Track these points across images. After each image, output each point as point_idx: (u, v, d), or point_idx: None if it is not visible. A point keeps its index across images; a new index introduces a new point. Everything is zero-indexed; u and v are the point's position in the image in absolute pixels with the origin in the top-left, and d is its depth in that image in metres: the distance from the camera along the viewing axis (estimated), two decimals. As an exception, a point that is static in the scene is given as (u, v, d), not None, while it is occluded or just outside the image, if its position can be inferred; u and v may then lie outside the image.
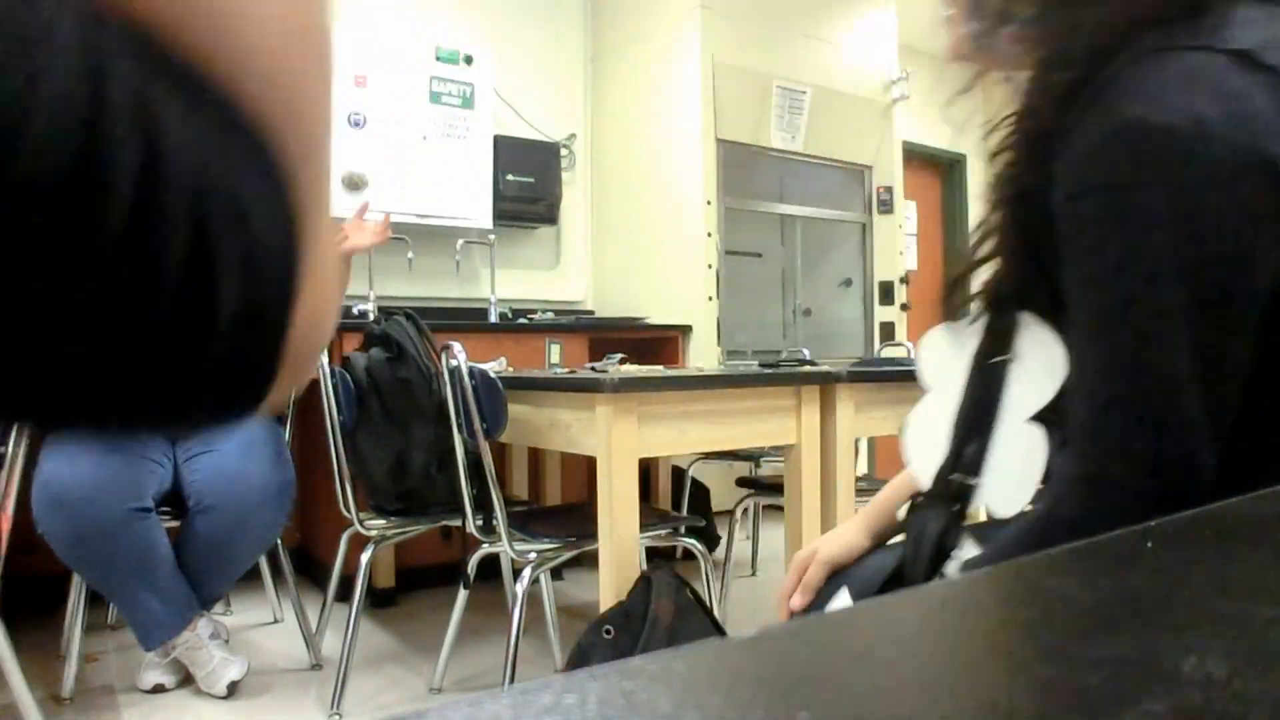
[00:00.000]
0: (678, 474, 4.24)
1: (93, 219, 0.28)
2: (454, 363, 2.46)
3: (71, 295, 0.28)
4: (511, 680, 2.47)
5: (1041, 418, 0.94)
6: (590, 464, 2.28)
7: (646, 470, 4.06)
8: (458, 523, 2.74)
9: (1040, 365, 0.93)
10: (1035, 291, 0.93)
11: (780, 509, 2.85)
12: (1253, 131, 0.75)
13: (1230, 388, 0.77)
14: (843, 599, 1.21)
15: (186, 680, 2.77)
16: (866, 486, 3.63)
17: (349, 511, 2.86)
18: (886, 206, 5.63)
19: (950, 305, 1.07)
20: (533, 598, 3.11)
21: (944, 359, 1.09)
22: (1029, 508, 0.95)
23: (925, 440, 1.10)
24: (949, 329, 1.11)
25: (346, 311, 4.52)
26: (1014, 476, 0.98)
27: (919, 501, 1.12)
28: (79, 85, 0.27)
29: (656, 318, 5.03)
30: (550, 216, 5.37)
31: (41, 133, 0.26)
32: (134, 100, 0.28)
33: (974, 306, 1.06)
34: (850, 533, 1.27)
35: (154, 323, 0.30)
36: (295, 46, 0.37)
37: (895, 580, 1.11)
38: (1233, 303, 0.76)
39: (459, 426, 2.51)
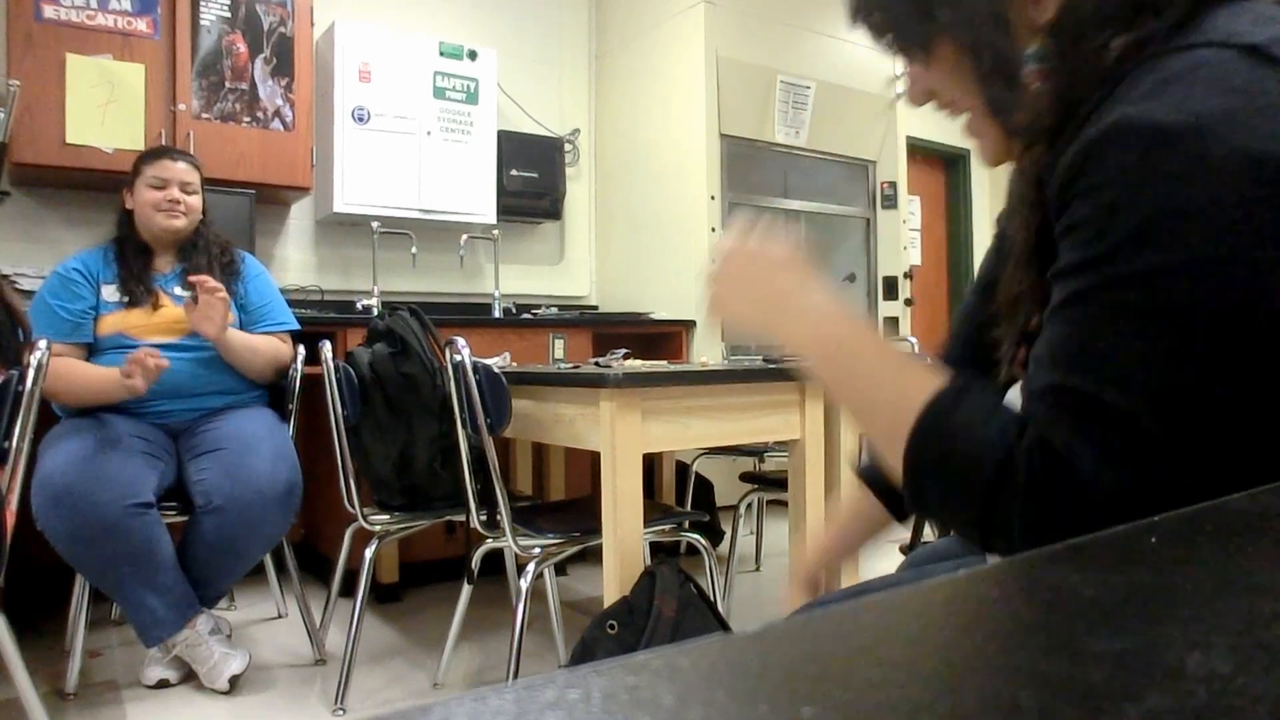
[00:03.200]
0: (681, 469, 4.24)
1: None
2: (458, 358, 2.46)
3: None
4: (515, 675, 2.47)
5: None
6: (594, 459, 2.28)
7: (650, 465, 4.07)
8: (461, 518, 2.74)
9: None
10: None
11: (784, 504, 2.86)
12: (1256, 128, 0.72)
13: (1210, 398, 0.74)
14: None
15: (190, 676, 2.77)
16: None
17: (353, 507, 2.86)
18: (890, 202, 5.63)
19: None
20: (536, 593, 3.12)
21: None
22: None
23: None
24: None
25: (350, 307, 4.53)
26: None
27: None
28: None
29: (660, 313, 5.03)
30: (554, 212, 5.37)
31: None
32: None
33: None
34: (755, 316, 1.09)
35: None
36: None
37: None
38: (1222, 305, 0.73)
39: (463, 422, 2.51)
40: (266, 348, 3.05)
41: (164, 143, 3.89)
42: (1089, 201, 0.78)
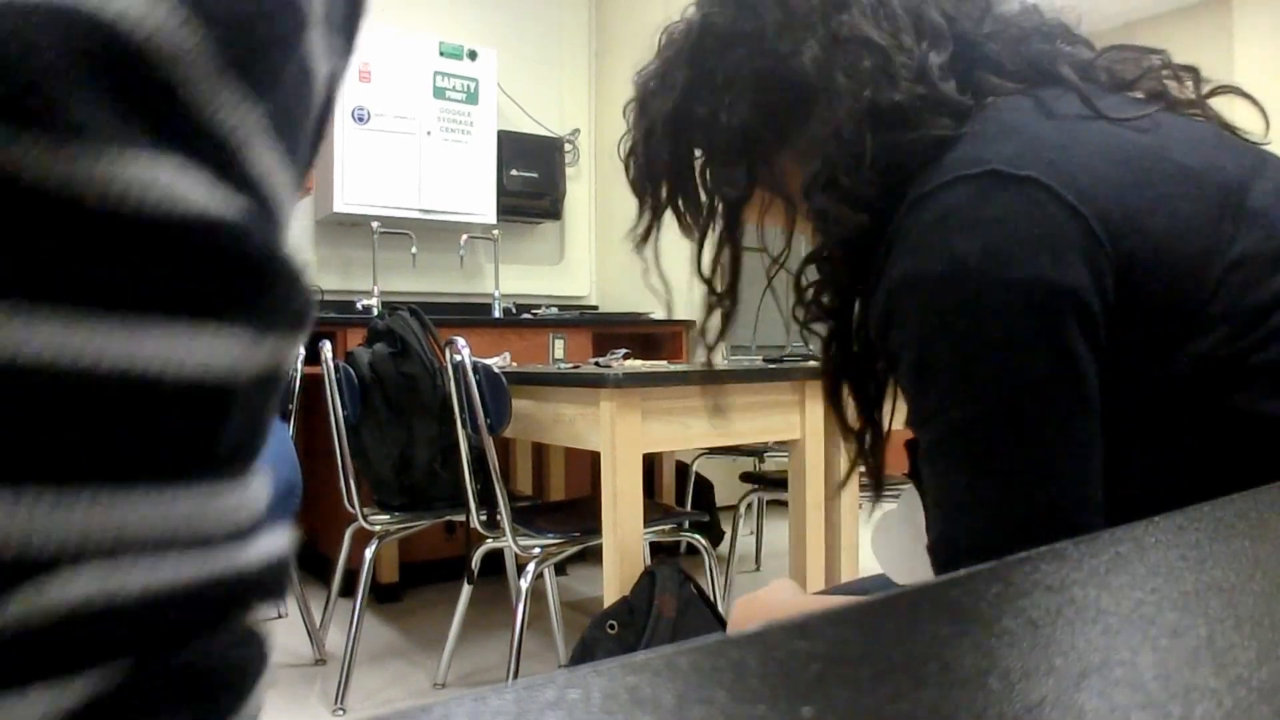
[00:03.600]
0: (681, 469, 4.24)
1: None
2: (458, 358, 2.46)
3: None
4: (515, 675, 2.47)
5: None
6: (594, 459, 2.28)
7: (650, 465, 4.07)
8: (461, 518, 2.74)
9: None
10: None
11: (784, 504, 2.86)
12: (1012, 258, 0.74)
13: (1096, 485, 0.77)
14: None
15: (191, 675, 2.77)
16: (869, 482, 3.63)
17: (353, 507, 2.86)
18: (890, 202, 5.62)
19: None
20: (536, 593, 3.11)
21: (901, 553, 1.10)
22: None
23: None
24: (890, 514, 1.13)
25: (350, 307, 4.53)
26: None
27: None
28: None
29: (660, 313, 5.03)
30: (554, 212, 5.37)
31: None
32: None
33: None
34: None
35: None
36: None
37: None
38: (1044, 422, 0.76)
39: (463, 422, 2.51)
40: None
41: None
42: (901, 359, 0.82)
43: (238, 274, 0.30)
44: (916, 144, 0.83)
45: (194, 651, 0.30)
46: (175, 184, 0.27)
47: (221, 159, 0.29)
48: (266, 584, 0.34)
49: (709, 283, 1.00)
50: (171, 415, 0.29)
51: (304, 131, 0.35)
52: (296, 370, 3.10)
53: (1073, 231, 0.74)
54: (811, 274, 1.01)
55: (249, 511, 0.33)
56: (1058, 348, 0.74)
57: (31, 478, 0.25)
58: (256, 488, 0.33)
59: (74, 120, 0.25)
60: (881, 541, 1.14)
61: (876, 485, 1.05)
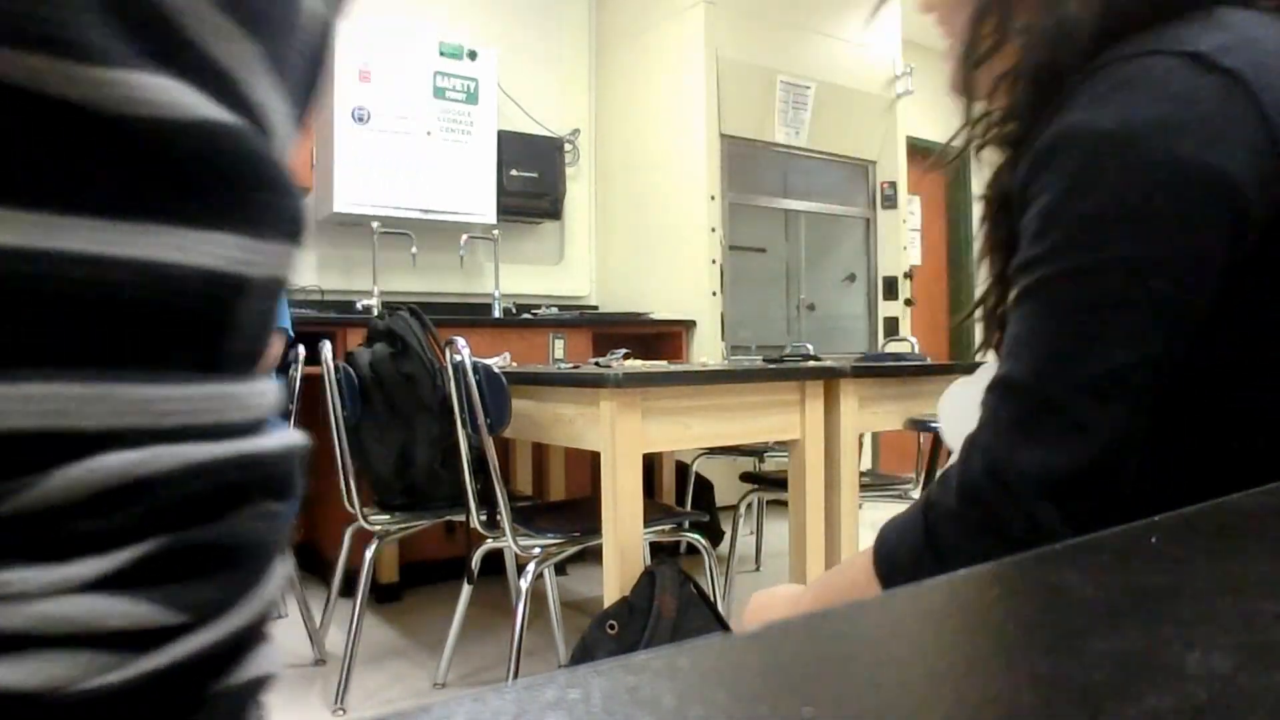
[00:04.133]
0: (681, 469, 4.25)
1: None
2: (458, 358, 2.46)
3: None
4: (515, 675, 2.47)
5: None
6: (594, 459, 2.28)
7: (650, 465, 4.07)
8: (461, 518, 2.74)
9: None
10: None
11: (784, 504, 2.85)
12: (1185, 136, 0.74)
13: (1149, 396, 0.77)
14: None
15: (191, 675, 2.77)
16: (870, 481, 3.64)
17: (353, 507, 2.86)
18: (890, 202, 5.63)
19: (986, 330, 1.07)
20: (536, 593, 3.11)
21: (962, 416, 1.09)
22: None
23: None
24: (963, 385, 1.10)
25: (350, 306, 4.53)
26: None
27: None
28: None
29: (660, 313, 5.03)
30: (554, 212, 5.37)
31: None
32: None
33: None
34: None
35: None
36: None
37: None
38: (1147, 306, 0.76)
39: (463, 422, 2.51)
40: None
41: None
42: (1036, 205, 0.82)
43: (238, 172, 0.33)
44: (1143, 6, 0.83)
45: (223, 526, 0.34)
46: (180, 97, 0.31)
47: (220, 85, 0.32)
48: (283, 471, 0.37)
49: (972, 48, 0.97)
50: (186, 309, 0.32)
51: (300, 75, 0.38)
52: (297, 370, 3.10)
53: (1257, 136, 0.75)
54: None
55: (260, 405, 0.36)
56: (1196, 237, 0.75)
57: (74, 362, 0.29)
58: (266, 387, 0.37)
59: (87, 40, 0.28)
60: (948, 406, 1.15)
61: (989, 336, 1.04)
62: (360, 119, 4.48)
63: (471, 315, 4.91)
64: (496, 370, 2.44)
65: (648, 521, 2.34)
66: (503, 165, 5.03)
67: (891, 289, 5.63)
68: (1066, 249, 0.79)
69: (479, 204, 4.85)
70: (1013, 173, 0.88)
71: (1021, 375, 0.81)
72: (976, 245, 1.05)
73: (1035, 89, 0.88)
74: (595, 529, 2.34)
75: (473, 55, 4.82)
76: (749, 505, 3.75)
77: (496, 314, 4.96)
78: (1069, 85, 0.83)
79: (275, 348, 3.09)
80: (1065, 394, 0.78)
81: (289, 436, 0.38)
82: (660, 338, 4.92)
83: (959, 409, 1.10)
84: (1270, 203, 0.75)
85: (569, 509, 2.88)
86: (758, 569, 4.24)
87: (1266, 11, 0.84)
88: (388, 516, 2.90)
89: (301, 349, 3.13)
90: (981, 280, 1.05)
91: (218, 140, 0.32)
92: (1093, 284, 0.77)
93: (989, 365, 1.03)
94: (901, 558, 0.89)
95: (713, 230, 4.77)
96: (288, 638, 3.25)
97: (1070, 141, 0.79)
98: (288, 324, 3.21)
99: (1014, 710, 0.27)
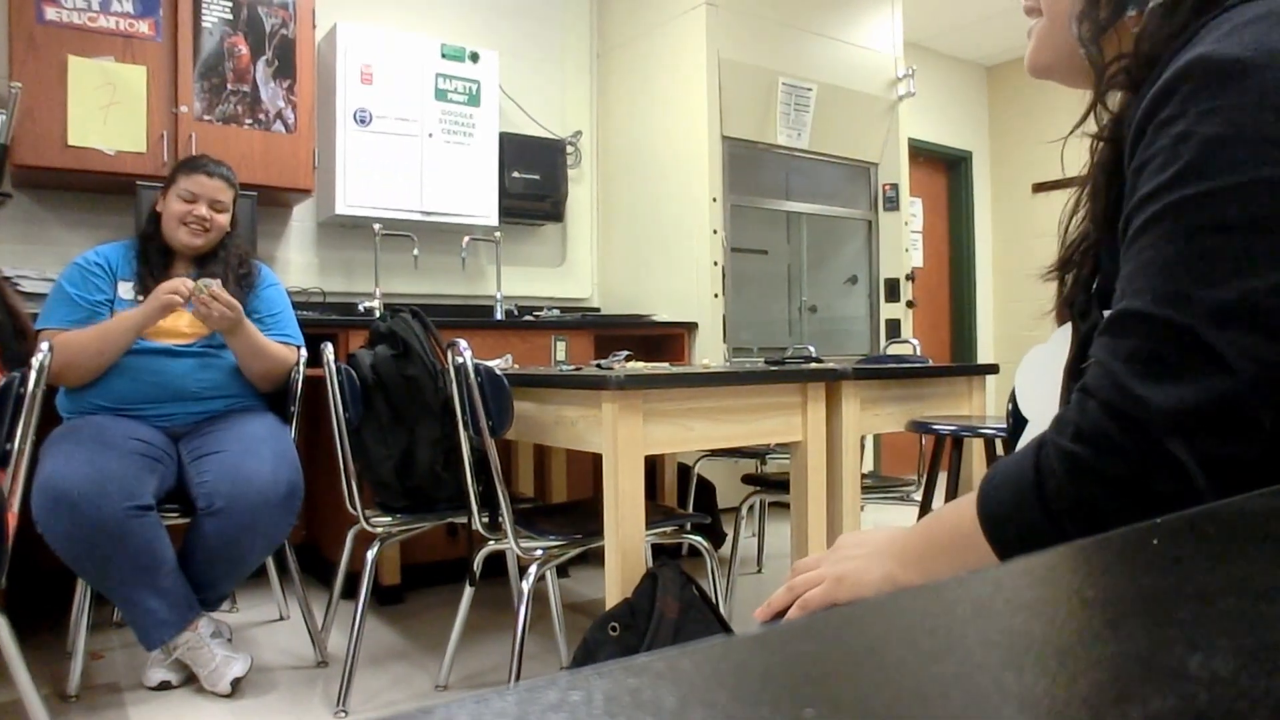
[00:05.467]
0: (683, 471, 4.25)
1: None
2: (460, 360, 2.46)
3: None
4: (517, 677, 2.47)
5: None
6: (596, 461, 2.28)
7: (652, 467, 4.07)
8: (463, 520, 2.74)
9: None
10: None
11: (786, 506, 2.86)
12: None
13: (1263, 314, 0.73)
14: None
15: (192, 678, 2.77)
16: (872, 484, 3.64)
17: (355, 509, 2.87)
18: (892, 203, 5.63)
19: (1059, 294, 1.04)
20: (538, 595, 3.11)
21: (1039, 383, 1.07)
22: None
23: None
24: (1041, 350, 1.08)
25: (352, 308, 4.53)
26: None
27: None
28: None
29: (662, 315, 5.03)
30: (556, 214, 5.37)
31: None
32: None
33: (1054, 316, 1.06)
34: (878, 566, 1.04)
35: None
36: None
37: None
38: (1273, 226, 0.73)
39: (465, 424, 2.51)
40: (274, 353, 3.03)
41: (165, 145, 3.89)
42: (1164, 133, 0.80)
43: None
44: None
45: None
46: None
47: None
48: None
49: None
50: None
51: None
52: (299, 373, 3.10)
53: None
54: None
55: None
56: None
57: None
58: None
59: None
60: (1025, 373, 1.13)
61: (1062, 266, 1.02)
62: (362, 121, 4.48)
63: (473, 317, 4.91)
64: (498, 372, 2.44)
65: (649, 523, 2.34)
66: (504, 167, 5.03)
67: (893, 291, 5.63)
68: (1197, 173, 0.76)
69: (481, 206, 4.85)
70: (1133, 110, 0.86)
71: (1144, 305, 0.77)
72: (1071, 203, 1.03)
73: (1162, 29, 0.87)
74: (597, 531, 2.34)
75: (474, 57, 4.82)
76: (751, 507, 3.75)
77: (498, 316, 4.96)
78: (1193, 27, 0.83)
79: (288, 359, 3.10)
80: (1195, 321, 0.74)
81: None
82: (662, 340, 4.92)
83: (1037, 374, 1.09)
84: None
85: (571, 511, 2.88)
86: (759, 571, 4.24)
87: None
88: (390, 518, 2.90)
89: (303, 350, 3.14)
90: (1072, 227, 1.02)
91: None
92: (1227, 205, 0.74)
93: (1064, 330, 1.02)
94: (1006, 502, 0.85)
95: (714, 232, 4.77)
96: (290, 640, 3.25)
97: (1200, 69, 0.78)
98: (298, 337, 3.21)
99: (1015, 711, 0.27)
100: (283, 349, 3.08)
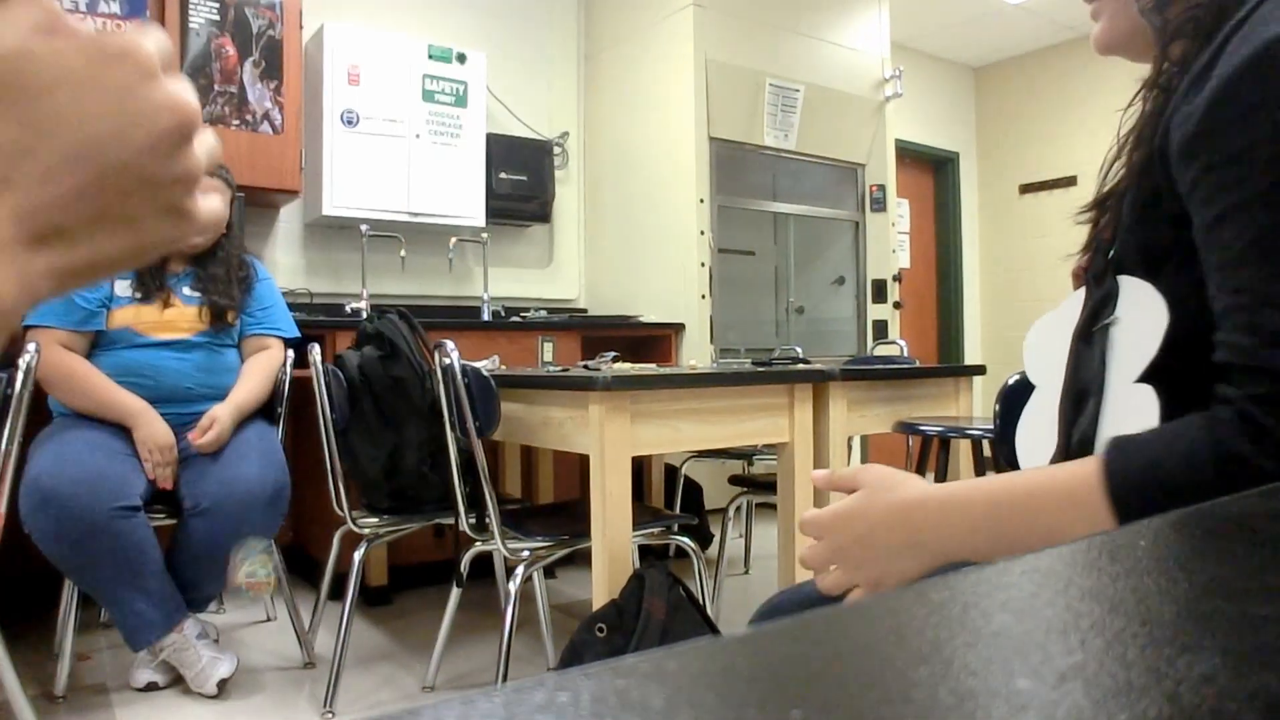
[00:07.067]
0: (670, 472, 4.25)
1: None
2: (447, 361, 2.45)
3: None
4: (505, 678, 2.47)
5: (1149, 377, 0.90)
6: (583, 462, 2.28)
7: (639, 468, 4.07)
8: (451, 521, 2.74)
9: (1143, 323, 0.90)
10: (1150, 234, 0.91)
11: (773, 507, 2.86)
12: None
13: None
14: None
15: (179, 679, 2.76)
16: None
17: (342, 510, 2.86)
18: (879, 205, 5.64)
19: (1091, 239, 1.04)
20: (526, 596, 3.11)
21: (1048, 348, 1.06)
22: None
23: (1032, 438, 1.06)
24: (1051, 317, 1.07)
25: (339, 309, 4.52)
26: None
27: None
28: None
29: (649, 316, 5.03)
30: (543, 215, 5.37)
31: None
32: None
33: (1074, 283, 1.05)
34: (923, 559, 0.95)
35: None
36: None
37: None
38: None
39: (452, 425, 2.51)
40: (263, 383, 3.02)
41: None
42: (1247, 119, 0.79)
43: None
44: None
45: None
46: None
47: None
48: None
49: None
50: None
51: None
52: (286, 374, 3.09)
53: None
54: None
55: None
56: None
57: None
58: None
59: None
60: (1034, 338, 1.11)
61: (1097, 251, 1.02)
62: (349, 122, 4.47)
63: (460, 318, 4.90)
64: (485, 373, 2.43)
65: (637, 525, 2.34)
66: (492, 168, 5.02)
67: (880, 292, 5.64)
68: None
69: (468, 207, 4.85)
70: (1199, 57, 0.87)
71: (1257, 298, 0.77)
72: (1113, 150, 1.02)
73: (1212, 18, 0.88)
74: (584, 532, 2.34)
75: (461, 58, 4.81)
76: (738, 508, 3.75)
77: (485, 317, 4.95)
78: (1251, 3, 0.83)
79: (276, 352, 3.09)
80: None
81: None
82: (649, 341, 4.92)
83: (1047, 339, 1.08)
84: None
85: (558, 512, 2.88)
86: (746, 572, 4.24)
87: None
88: (377, 519, 2.89)
89: (290, 352, 3.13)
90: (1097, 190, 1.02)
91: None
92: None
93: (1075, 296, 1.01)
94: (1172, 467, 0.80)
95: (702, 233, 4.77)
96: (277, 641, 3.24)
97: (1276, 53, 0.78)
98: (292, 329, 3.20)
99: (1005, 713, 0.27)
100: (264, 363, 3.05)
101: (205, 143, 0.45)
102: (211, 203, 0.47)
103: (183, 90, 0.42)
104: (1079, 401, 0.98)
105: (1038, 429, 1.06)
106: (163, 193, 0.43)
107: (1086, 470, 0.83)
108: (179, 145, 0.43)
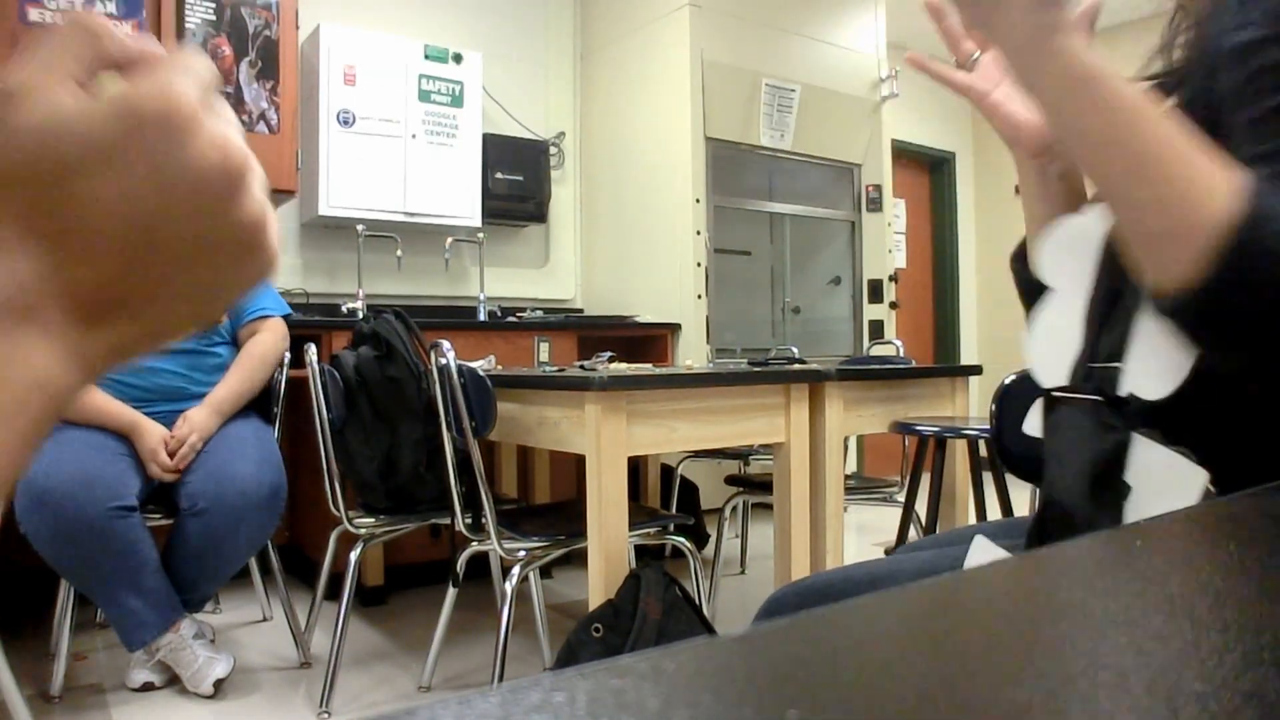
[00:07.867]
0: (666, 472, 4.24)
1: None
2: (443, 361, 2.45)
3: None
4: (501, 678, 2.47)
5: None
6: (579, 462, 2.28)
7: (635, 468, 4.07)
8: (447, 521, 2.74)
9: None
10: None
11: (769, 507, 2.86)
12: None
13: None
14: (981, 549, 1.07)
15: (175, 679, 2.76)
16: (855, 485, 3.64)
17: (338, 510, 2.86)
18: (875, 204, 5.64)
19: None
20: (521, 596, 3.11)
21: (1068, 253, 1.04)
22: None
23: (1051, 341, 1.03)
24: (1068, 222, 1.06)
25: (335, 309, 4.52)
26: (1161, 357, 0.87)
27: (1053, 404, 1.01)
28: None
29: (645, 316, 5.03)
30: (539, 215, 5.37)
31: None
32: None
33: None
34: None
35: None
36: None
37: (1047, 517, 1.01)
38: None
39: (448, 425, 2.51)
40: (259, 373, 3.00)
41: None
42: None
43: None
44: None
45: None
46: None
47: None
48: None
49: None
50: None
51: None
52: (282, 374, 3.09)
53: None
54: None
55: None
56: None
57: None
58: None
59: None
60: (1054, 240, 1.08)
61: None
62: (345, 122, 4.47)
63: (456, 318, 4.90)
64: (481, 373, 2.43)
65: (633, 525, 2.34)
66: (488, 168, 5.02)
67: (876, 292, 5.64)
68: None
69: (464, 207, 4.84)
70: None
71: None
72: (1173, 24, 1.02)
73: None
74: (580, 532, 2.34)
75: (458, 58, 4.81)
76: (734, 508, 3.75)
77: (481, 317, 4.95)
78: None
79: (277, 331, 3.06)
80: None
81: None
82: (645, 341, 4.92)
83: (1070, 241, 1.06)
84: None
85: (554, 512, 2.88)
86: (743, 572, 4.24)
87: None
88: (373, 519, 2.89)
89: (286, 353, 3.12)
90: None
91: None
92: None
93: (1100, 216, 1.00)
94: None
95: (698, 233, 4.77)
96: (273, 641, 3.24)
97: None
98: (279, 305, 3.17)
99: (1001, 710, 0.27)
100: (251, 352, 3.01)
101: (259, 178, 0.44)
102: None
103: (227, 133, 0.41)
104: (1107, 314, 0.97)
105: (1057, 332, 1.03)
106: (224, 248, 0.41)
107: (1223, 190, 0.76)
108: (232, 197, 0.42)
